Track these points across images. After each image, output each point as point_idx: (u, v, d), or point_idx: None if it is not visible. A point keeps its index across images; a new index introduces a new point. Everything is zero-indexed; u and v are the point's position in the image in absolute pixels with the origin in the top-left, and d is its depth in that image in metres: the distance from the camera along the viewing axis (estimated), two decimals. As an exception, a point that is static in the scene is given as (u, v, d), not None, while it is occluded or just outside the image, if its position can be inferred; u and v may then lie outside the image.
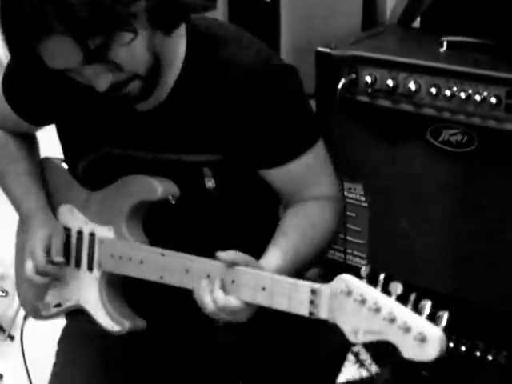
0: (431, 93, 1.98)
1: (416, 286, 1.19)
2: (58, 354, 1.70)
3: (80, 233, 1.66)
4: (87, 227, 1.65)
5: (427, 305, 1.16)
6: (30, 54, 1.37)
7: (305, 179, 1.57)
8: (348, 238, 2.21)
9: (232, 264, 1.38)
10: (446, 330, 1.14)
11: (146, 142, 1.57)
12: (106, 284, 1.62)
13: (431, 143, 2.04)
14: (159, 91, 1.50)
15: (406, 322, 1.16)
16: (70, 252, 1.68)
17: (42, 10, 1.29)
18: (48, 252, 1.63)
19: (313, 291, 1.29)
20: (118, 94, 1.43)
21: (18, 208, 1.76)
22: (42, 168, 1.78)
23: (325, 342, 1.65)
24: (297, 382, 1.63)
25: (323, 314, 1.28)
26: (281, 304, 1.33)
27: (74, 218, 1.68)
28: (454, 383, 2.20)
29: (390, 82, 2.03)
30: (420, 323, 1.15)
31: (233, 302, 1.37)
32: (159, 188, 1.54)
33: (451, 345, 2.14)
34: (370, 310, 1.20)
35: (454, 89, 1.95)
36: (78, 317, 1.70)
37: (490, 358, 2.11)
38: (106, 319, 1.61)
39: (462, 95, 1.94)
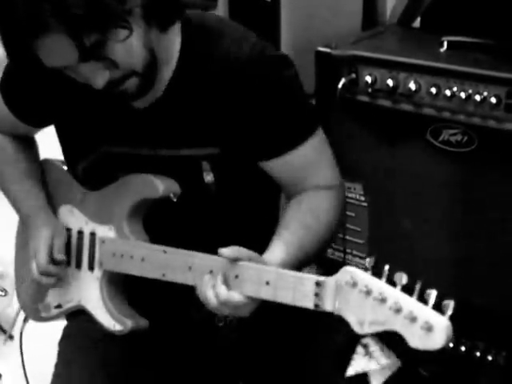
0: (431, 93, 1.98)
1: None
2: (59, 354, 1.70)
3: (80, 233, 1.67)
4: (88, 227, 1.66)
5: (433, 294, 1.16)
6: (27, 53, 1.37)
7: (305, 169, 1.57)
8: (347, 237, 2.20)
9: (235, 260, 1.38)
10: (451, 318, 1.14)
11: (144, 138, 1.57)
12: (107, 283, 1.63)
13: (431, 143, 2.03)
14: (156, 88, 1.51)
15: (412, 311, 1.16)
16: (71, 252, 1.68)
17: (38, 8, 1.30)
18: (50, 252, 1.64)
19: (317, 283, 1.29)
20: (115, 91, 1.44)
21: (18, 210, 1.76)
22: (41, 169, 1.78)
23: (333, 335, 1.65)
24: (303, 377, 1.63)
25: (328, 306, 1.28)
26: (285, 297, 1.33)
27: (74, 218, 1.68)
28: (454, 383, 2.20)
29: (390, 82, 2.03)
30: (426, 312, 1.15)
31: (236, 296, 1.37)
32: (160, 186, 1.55)
33: (451, 345, 2.14)
34: (375, 301, 1.20)
35: (454, 89, 1.95)
36: (78, 317, 1.70)
37: (489, 358, 2.10)
38: (108, 319, 1.61)
39: (462, 95, 1.94)
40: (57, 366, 1.68)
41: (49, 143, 1.85)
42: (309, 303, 1.31)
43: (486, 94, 1.91)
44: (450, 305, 1.14)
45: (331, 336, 1.65)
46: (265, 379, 1.68)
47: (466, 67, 1.96)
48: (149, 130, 1.57)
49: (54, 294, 1.72)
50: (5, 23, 1.36)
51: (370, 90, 2.06)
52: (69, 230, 1.69)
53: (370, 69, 2.06)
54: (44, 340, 2.05)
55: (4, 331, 2.76)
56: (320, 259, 2.19)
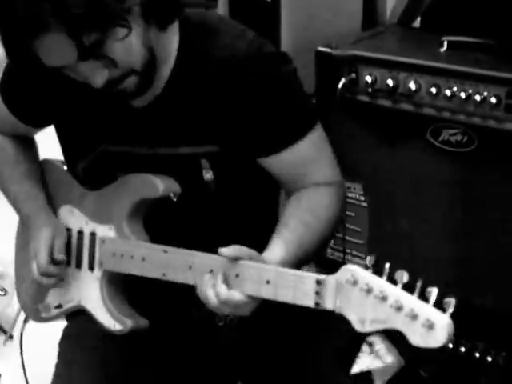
0: (431, 92, 1.98)
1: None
2: (59, 354, 1.70)
3: (81, 233, 1.67)
4: (88, 227, 1.66)
5: (434, 292, 1.16)
6: (26, 53, 1.38)
7: (304, 165, 1.57)
8: (347, 237, 2.20)
9: (235, 259, 1.38)
10: (453, 316, 1.14)
11: (143, 137, 1.58)
12: (108, 283, 1.63)
13: (431, 143, 2.03)
14: (154, 86, 1.51)
15: (413, 309, 1.16)
16: (71, 252, 1.68)
17: (38, 8, 1.30)
18: (51, 252, 1.64)
19: (318, 282, 1.29)
20: (114, 90, 1.44)
21: (18, 210, 1.76)
22: (41, 170, 1.78)
23: (333, 333, 1.65)
24: (304, 376, 1.63)
25: (329, 304, 1.28)
26: (286, 296, 1.33)
27: (74, 218, 1.68)
28: (453, 384, 2.20)
29: (390, 82, 2.03)
30: (427, 310, 1.15)
31: (236, 295, 1.37)
32: (160, 185, 1.55)
33: (450, 346, 2.14)
34: (376, 299, 1.20)
35: (454, 89, 1.95)
36: (78, 318, 1.70)
37: (489, 359, 2.10)
38: (108, 318, 1.61)
39: (462, 95, 1.94)
40: (57, 366, 1.68)
41: (48, 143, 1.84)
42: (309, 302, 1.31)
43: (486, 93, 1.91)
44: (451, 302, 1.15)
45: (332, 335, 1.65)
46: (265, 378, 1.68)
47: (466, 67, 1.96)
48: (148, 129, 1.57)
49: (54, 294, 1.72)
50: (5, 23, 1.36)
51: (370, 89, 2.06)
52: (69, 230, 1.69)
53: (370, 69, 2.06)
54: (44, 340, 2.05)
55: (4, 331, 2.76)
56: (319, 259, 2.19)
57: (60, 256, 1.64)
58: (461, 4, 2.22)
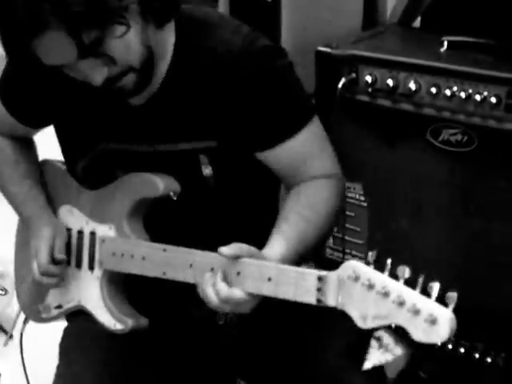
0: (431, 92, 1.98)
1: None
2: (60, 355, 1.70)
3: (80, 232, 1.67)
4: (88, 227, 1.66)
5: (436, 286, 1.16)
6: (26, 53, 1.38)
7: (302, 159, 1.57)
8: (347, 237, 2.20)
9: (236, 257, 1.38)
10: (455, 310, 1.14)
11: (142, 135, 1.58)
12: (108, 283, 1.63)
13: (431, 143, 2.03)
14: (152, 83, 1.52)
15: (416, 304, 1.16)
16: (71, 252, 1.68)
17: (38, 7, 1.31)
18: (51, 252, 1.64)
19: (320, 278, 1.29)
20: (113, 87, 1.44)
21: (18, 211, 1.77)
22: (40, 170, 1.79)
23: (337, 331, 1.64)
24: (304, 375, 1.63)
25: (331, 300, 1.28)
26: (287, 293, 1.33)
27: (74, 218, 1.69)
28: (453, 385, 2.20)
29: (390, 82, 2.03)
30: (429, 305, 1.15)
31: (237, 293, 1.37)
32: (160, 184, 1.55)
33: (450, 346, 2.14)
34: (378, 295, 1.20)
35: (454, 88, 1.95)
36: (78, 318, 1.70)
37: (488, 359, 2.10)
38: (108, 318, 1.61)
39: (462, 95, 1.94)
40: (58, 366, 1.68)
41: (48, 144, 1.85)
42: (311, 298, 1.30)
43: (486, 93, 1.91)
44: (453, 297, 1.14)
45: (332, 333, 1.65)
46: (265, 377, 1.68)
47: (466, 67, 1.96)
48: (146, 126, 1.57)
49: (55, 294, 1.72)
50: (5, 23, 1.36)
51: (370, 89, 2.06)
52: (69, 229, 1.69)
53: (370, 68, 2.05)
54: (44, 341, 2.05)
55: (5, 331, 2.76)
56: (319, 259, 2.19)
57: (60, 256, 1.64)
58: (461, 4, 2.22)
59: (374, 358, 1.76)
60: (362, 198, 2.19)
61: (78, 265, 1.67)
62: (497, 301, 2.05)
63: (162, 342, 1.68)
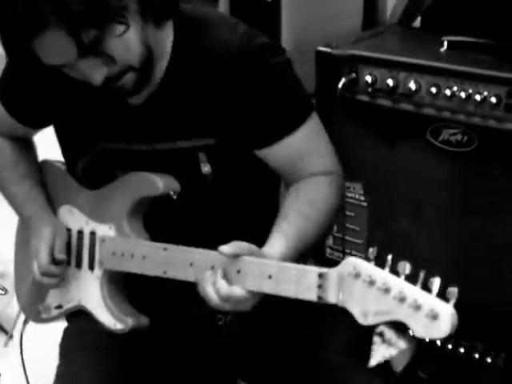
0: (431, 92, 1.97)
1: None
2: (60, 355, 1.70)
3: (80, 232, 1.67)
4: (88, 226, 1.66)
5: (436, 282, 1.16)
6: (26, 52, 1.38)
7: (300, 157, 1.57)
8: (347, 237, 2.20)
9: (235, 256, 1.38)
10: (456, 306, 1.14)
11: (142, 134, 1.58)
12: (108, 282, 1.63)
13: (431, 143, 2.03)
14: (151, 83, 1.52)
15: (417, 300, 1.16)
16: (71, 252, 1.68)
17: (38, 7, 1.31)
18: (51, 252, 1.64)
19: (320, 275, 1.29)
20: (112, 87, 1.45)
21: (18, 211, 1.77)
22: (40, 170, 1.79)
23: (337, 330, 1.64)
24: (304, 374, 1.63)
25: (332, 297, 1.27)
26: (287, 291, 1.33)
27: (74, 218, 1.69)
28: (452, 385, 2.20)
29: (390, 82, 2.03)
30: (430, 301, 1.15)
31: (237, 291, 1.37)
32: (160, 183, 1.55)
33: (450, 346, 2.14)
34: (379, 291, 1.20)
35: (454, 88, 1.95)
36: (78, 318, 1.71)
37: (488, 360, 2.10)
38: (109, 318, 1.61)
39: (462, 95, 1.94)
40: (59, 366, 1.68)
41: (47, 144, 1.85)
42: (312, 295, 1.30)
43: (486, 93, 1.91)
44: (454, 292, 1.14)
45: (332, 332, 1.65)
46: (264, 376, 1.68)
47: (466, 67, 1.96)
48: (146, 125, 1.58)
49: (55, 294, 1.72)
50: (5, 23, 1.37)
51: (370, 89, 2.06)
52: (68, 229, 1.69)
53: (371, 68, 2.05)
54: (44, 341, 2.05)
55: (5, 331, 2.76)
56: (318, 258, 2.19)
57: (60, 256, 1.64)
58: (461, 4, 2.22)
59: (379, 353, 1.75)
60: (362, 198, 2.19)
61: (78, 265, 1.67)
62: (497, 301, 2.05)
63: (162, 342, 1.68)
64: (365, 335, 2.00)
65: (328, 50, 2.11)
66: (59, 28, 1.32)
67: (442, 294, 1.15)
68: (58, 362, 1.68)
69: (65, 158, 1.75)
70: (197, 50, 1.52)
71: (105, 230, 1.63)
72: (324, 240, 1.94)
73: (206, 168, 1.58)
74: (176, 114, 1.55)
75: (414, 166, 2.08)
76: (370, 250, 1.24)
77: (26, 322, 1.89)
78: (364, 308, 1.22)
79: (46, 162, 1.81)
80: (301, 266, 1.34)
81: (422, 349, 2.13)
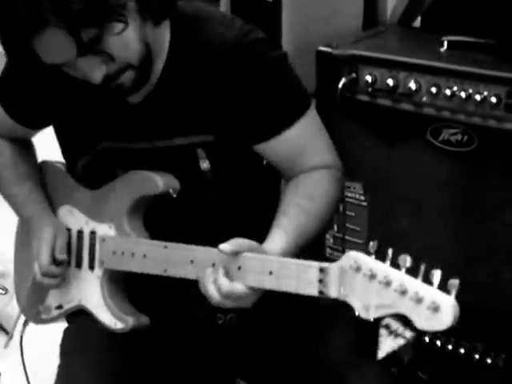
0: (431, 92, 1.98)
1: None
2: (60, 355, 1.70)
3: (80, 232, 1.67)
4: (88, 226, 1.66)
5: (437, 274, 1.16)
6: (25, 51, 1.38)
7: (299, 151, 1.57)
8: (347, 237, 2.20)
9: (236, 253, 1.38)
10: (457, 298, 1.14)
11: (141, 132, 1.59)
12: (108, 282, 1.63)
13: (431, 143, 2.03)
14: (149, 81, 1.52)
15: (418, 292, 1.16)
16: (71, 252, 1.68)
17: (38, 6, 1.32)
18: (52, 253, 1.64)
19: (321, 270, 1.29)
20: (111, 85, 1.45)
21: (19, 213, 1.77)
22: (40, 171, 1.79)
23: (337, 330, 1.64)
24: (304, 374, 1.63)
25: (333, 292, 1.27)
26: (289, 286, 1.33)
27: (74, 218, 1.69)
28: (452, 386, 2.20)
29: (390, 82, 2.03)
30: (432, 293, 1.15)
31: (239, 288, 1.37)
32: (160, 182, 1.56)
33: (450, 347, 2.14)
34: (380, 284, 1.20)
35: (455, 88, 1.95)
36: (78, 318, 1.71)
37: (488, 360, 2.10)
38: (109, 317, 1.61)
39: (463, 95, 1.94)
40: (59, 367, 1.68)
41: (47, 145, 1.85)
42: (313, 290, 1.30)
43: (486, 93, 1.91)
44: (455, 284, 1.14)
45: (332, 325, 1.64)
46: (264, 376, 1.68)
47: (466, 67, 1.96)
48: (145, 124, 1.58)
49: (55, 294, 1.72)
50: (4, 22, 1.37)
51: (370, 89, 2.06)
52: (68, 230, 1.69)
53: (371, 68, 2.05)
54: (44, 342, 2.05)
55: (5, 331, 2.76)
56: (319, 259, 2.18)
57: (61, 256, 1.64)
58: (461, 4, 2.22)
59: (387, 345, 1.74)
60: (362, 198, 2.19)
61: (78, 265, 1.67)
62: (497, 301, 2.05)
63: (162, 342, 1.68)
64: (365, 331, 2.00)
65: (328, 49, 2.11)
66: (59, 27, 1.33)
67: (444, 288, 1.15)
68: (59, 363, 1.68)
69: (65, 157, 1.75)
70: (193, 46, 1.52)
71: (105, 230, 1.63)
72: (324, 237, 1.93)
73: (204, 164, 1.58)
74: (174, 110, 1.56)
75: (414, 166, 2.08)
76: (371, 243, 1.24)
77: (26, 324, 1.89)
78: (365, 302, 1.21)
79: (45, 163, 1.81)
80: (301, 261, 1.34)
81: (422, 349, 2.13)
